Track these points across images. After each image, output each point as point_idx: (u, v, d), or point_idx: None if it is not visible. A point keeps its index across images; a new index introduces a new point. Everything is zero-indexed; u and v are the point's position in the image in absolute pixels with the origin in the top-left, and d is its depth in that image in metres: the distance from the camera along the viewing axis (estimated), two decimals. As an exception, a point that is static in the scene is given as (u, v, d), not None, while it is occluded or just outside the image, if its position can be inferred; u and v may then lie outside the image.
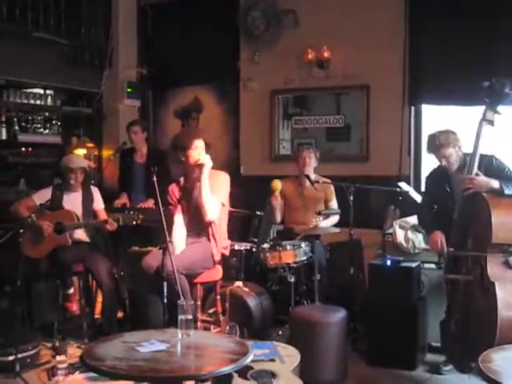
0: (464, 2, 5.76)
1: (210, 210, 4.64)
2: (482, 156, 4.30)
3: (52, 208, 5.31)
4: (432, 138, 4.52)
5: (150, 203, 5.95)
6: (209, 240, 4.76)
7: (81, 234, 5.40)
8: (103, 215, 5.45)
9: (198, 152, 4.69)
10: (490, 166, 4.35)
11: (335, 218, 5.68)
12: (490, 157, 4.41)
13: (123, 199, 6.15)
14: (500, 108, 4.22)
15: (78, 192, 5.47)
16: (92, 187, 5.63)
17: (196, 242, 4.77)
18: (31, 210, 5.23)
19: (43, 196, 5.32)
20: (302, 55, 6.59)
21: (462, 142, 4.47)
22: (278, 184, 5.72)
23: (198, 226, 4.79)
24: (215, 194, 4.66)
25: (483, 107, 4.26)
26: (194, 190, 4.77)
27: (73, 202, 5.40)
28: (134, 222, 5.03)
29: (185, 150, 4.70)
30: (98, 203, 5.55)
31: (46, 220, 5.20)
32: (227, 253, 4.99)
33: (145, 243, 5.52)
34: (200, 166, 4.64)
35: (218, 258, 4.80)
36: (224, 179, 4.84)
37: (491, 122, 4.22)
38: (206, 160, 4.63)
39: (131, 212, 5.10)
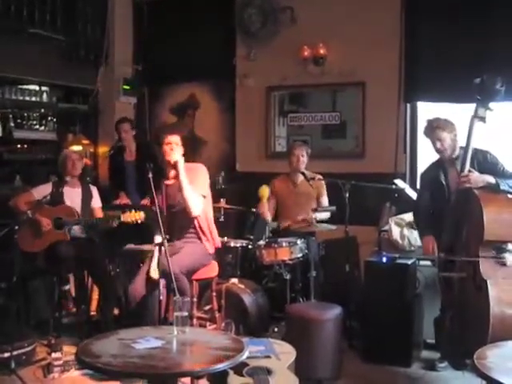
0: (459, 0, 5.78)
1: (194, 206, 4.55)
2: (476, 151, 4.33)
3: (53, 203, 5.31)
4: (429, 121, 4.59)
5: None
6: (198, 238, 4.70)
7: (79, 231, 5.40)
8: (100, 214, 5.47)
9: (171, 148, 4.64)
10: (484, 161, 4.38)
11: (327, 214, 5.69)
12: (485, 152, 4.43)
13: (124, 199, 6.10)
14: (492, 105, 4.23)
15: (78, 188, 5.49)
16: (91, 186, 5.66)
17: (188, 242, 4.73)
18: (30, 205, 5.22)
19: (42, 191, 5.32)
20: (298, 52, 6.58)
21: (458, 132, 4.51)
22: (265, 191, 5.68)
23: (182, 225, 4.71)
24: (195, 188, 4.58)
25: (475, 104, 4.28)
26: (173, 188, 4.69)
27: (73, 198, 5.41)
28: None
29: (160, 146, 4.72)
30: (96, 201, 5.58)
31: (46, 214, 5.20)
32: (219, 245, 4.97)
33: (141, 240, 5.52)
34: (174, 164, 4.59)
35: (212, 251, 4.79)
36: (201, 171, 4.77)
37: (483, 119, 4.22)
38: (178, 157, 4.59)
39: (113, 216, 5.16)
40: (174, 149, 4.65)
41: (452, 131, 4.49)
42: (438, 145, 4.51)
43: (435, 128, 4.49)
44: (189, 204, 4.52)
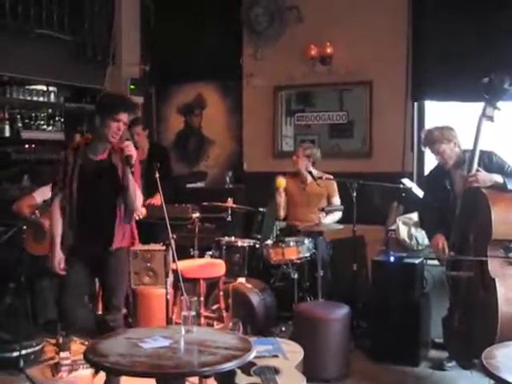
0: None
1: (138, 205, 4.15)
2: (481, 152, 4.30)
3: None
4: (427, 132, 4.56)
5: (158, 200, 5.91)
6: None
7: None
8: None
9: (119, 127, 3.92)
10: (490, 163, 4.35)
11: (338, 214, 5.68)
12: (490, 153, 4.40)
13: None
14: (500, 104, 4.22)
15: None
16: None
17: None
18: (33, 208, 5.23)
19: (44, 193, 5.31)
20: (304, 51, 6.59)
21: (459, 138, 4.48)
22: (282, 181, 5.71)
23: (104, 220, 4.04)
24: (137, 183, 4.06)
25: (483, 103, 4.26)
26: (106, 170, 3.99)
27: None
28: None
29: (106, 118, 3.90)
30: None
31: (49, 217, 5.20)
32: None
33: (148, 240, 5.52)
34: (127, 159, 3.90)
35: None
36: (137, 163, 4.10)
37: (491, 118, 4.21)
38: (133, 151, 3.93)
39: None
40: (122, 129, 3.97)
41: (451, 141, 4.44)
42: (438, 158, 4.50)
43: (433, 142, 4.46)
44: (134, 205, 4.06)
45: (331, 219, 5.58)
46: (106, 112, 3.95)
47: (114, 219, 4.02)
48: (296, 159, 5.77)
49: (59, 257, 4.03)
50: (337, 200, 5.81)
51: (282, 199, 5.79)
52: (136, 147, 6.15)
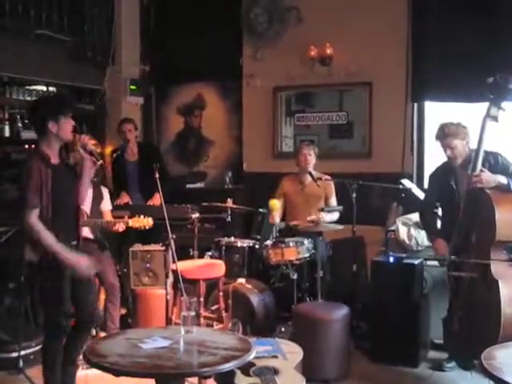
0: (467, -1, 5.78)
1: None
2: (486, 153, 4.30)
3: None
4: (442, 126, 4.55)
5: (158, 200, 5.91)
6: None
7: (86, 232, 5.39)
8: (109, 216, 5.45)
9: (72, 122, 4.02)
10: (496, 164, 4.35)
11: (336, 215, 5.68)
12: (495, 154, 4.41)
13: (125, 198, 6.12)
14: (504, 104, 4.22)
15: (89, 189, 5.46)
16: (102, 187, 5.62)
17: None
18: None
19: None
20: (304, 52, 6.58)
21: (470, 137, 4.48)
22: (275, 205, 5.64)
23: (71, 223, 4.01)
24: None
25: (487, 103, 4.25)
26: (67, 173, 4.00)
27: None
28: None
29: (60, 117, 3.98)
30: (106, 204, 5.54)
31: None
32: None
33: (148, 241, 5.53)
34: (92, 152, 4.05)
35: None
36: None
37: (495, 119, 4.21)
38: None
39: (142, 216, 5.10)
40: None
41: (464, 138, 4.46)
42: (449, 152, 4.49)
43: (447, 135, 4.46)
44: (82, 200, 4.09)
45: (330, 218, 5.57)
46: (57, 111, 3.99)
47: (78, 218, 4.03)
48: (305, 159, 5.75)
49: (80, 257, 3.82)
50: (334, 201, 5.83)
51: (275, 220, 5.65)
52: (126, 145, 6.22)
